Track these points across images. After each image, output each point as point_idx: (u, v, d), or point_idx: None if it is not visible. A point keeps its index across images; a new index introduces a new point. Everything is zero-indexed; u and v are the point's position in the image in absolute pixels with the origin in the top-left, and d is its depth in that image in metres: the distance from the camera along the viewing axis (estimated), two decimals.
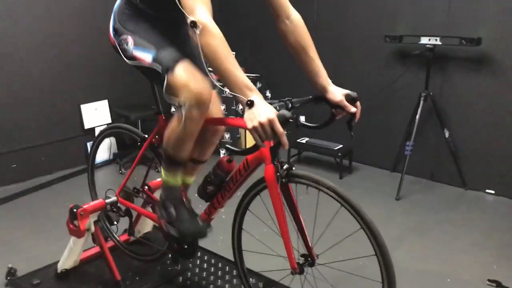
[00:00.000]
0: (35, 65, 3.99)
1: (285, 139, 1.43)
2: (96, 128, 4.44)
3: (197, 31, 1.45)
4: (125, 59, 1.85)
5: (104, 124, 4.49)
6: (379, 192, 3.80)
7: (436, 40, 3.60)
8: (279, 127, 1.41)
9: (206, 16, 1.47)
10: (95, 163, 4.33)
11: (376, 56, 4.15)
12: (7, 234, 3.12)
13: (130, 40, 1.82)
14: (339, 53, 4.18)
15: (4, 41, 3.78)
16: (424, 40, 3.66)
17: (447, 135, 3.77)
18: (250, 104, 1.43)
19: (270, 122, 1.40)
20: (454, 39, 3.52)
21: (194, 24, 1.45)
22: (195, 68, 1.72)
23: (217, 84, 1.63)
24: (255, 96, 1.44)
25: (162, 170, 1.98)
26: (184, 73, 1.69)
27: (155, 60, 1.74)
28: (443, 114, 3.79)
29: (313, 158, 4.46)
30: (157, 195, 2.32)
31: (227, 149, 1.60)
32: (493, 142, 3.66)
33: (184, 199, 2.01)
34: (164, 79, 1.71)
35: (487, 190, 3.76)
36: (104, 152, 4.40)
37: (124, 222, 2.40)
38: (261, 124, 1.41)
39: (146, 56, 1.76)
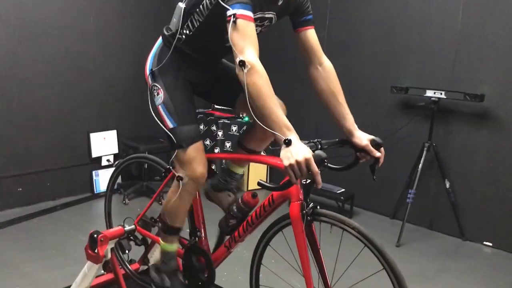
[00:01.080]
0: (50, 92, 4.08)
1: (319, 178, 1.51)
2: (102, 157, 4.48)
3: (245, 70, 1.54)
4: (150, 105, 1.98)
5: (111, 154, 4.54)
6: (380, 238, 3.83)
7: (441, 93, 3.76)
8: (314, 167, 1.48)
9: (254, 56, 1.57)
10: (99, 192, 4.39)
11: (381, 106, 4.30)
12: (12, 257, 3.11)
13: (161, 94, 1.96)
14: (345, 100, 4.31)
15: (23, 67, 3.87)
16: (429, 93, 3.82)
17: (447, 185, 3.87)
18: (288, 143, 1.51)
19: (307, 162, 1.48)
20: (458, 94, 3.68)
21: (242, 63, 1.55)
22: (203, 151, 1.94)
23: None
24: (293, 136, 1.52)
25: (160, 238, 2.18)
26: (192, 154, 1.90)
27: (173, 131, 1.93)
28: (444, 164, 3.91)
29: (312, 199, 4.49)
30: None
31: (260, 184, 1.66)
32: (492, 195, 3.77)
33: (178, 270, 2.19)
34: (175, 151, 1.92)
35: (484, 242, 3.83)
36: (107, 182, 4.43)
37: (133, 252, 2.44)
38: (297, 163, 1.48)
39: (168, 122, 1.95)
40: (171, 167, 2.04)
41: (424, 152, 3.83)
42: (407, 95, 4.03)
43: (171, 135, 1.93)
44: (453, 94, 3.73)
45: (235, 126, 4.63)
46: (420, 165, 3.81)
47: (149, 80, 2.00)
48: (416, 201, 3.85)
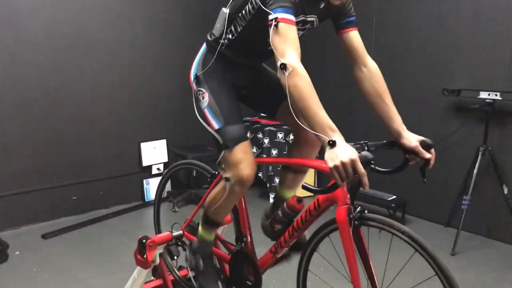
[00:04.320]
0: (101, 104, 4.23)
1: (366, 180, 1.46)
2: (153, 166, 4.58)
3: (286, 73, 1.53)
4: (195, 109, 2.00)
5: (161, 163, 4.64)
6: (434, 246, 3.69)
7: (496, 95, 3.60)
8: (361, 168, 1.44)
9: (296, 59, 1.56)
10: (149, 200, 4.48)
11: (433, 109, 4.16)
12: (66, 263, 3.22)
13: (206, 97, 1.97)
14: (394, 103, 4.21)
15: (76, 80, 4.03)
16: (483, 95, 3.66)
17: (505, 191, 3.68)
18: (332, 144, 1.47)
19: (352, 163, 1.44)
20: None
21: (284, 66, 1.54)
22: (250, 151, 1.91)
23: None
24: (337, 136, 1.49)
25: (199, 226, 2.19)
26: (239, 155, 1.87)
27: (219, 132, 1.92)
28: (502, 169, 3.73)
29: (363, 207, 4.40)
30: (219, 231, 2.38)
31: (305, 187, 1.63)
32: None
33: (213, 256, 2.22)
34: (222, 152, 1.91)
35: None
36: None
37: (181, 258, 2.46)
38: (343, 164, 1.44)
39: (213, 123, 1.94)
40: (218, 168, 2.01)
41: (479, 157, 3.66)
42: (459, 98, 3.88)
43: (217, 136, 1.92)
44: (510, 95, 3.56)
45: (281, 134, 4.61)
46: (475, 170, 3.65)
47: (194, 86, 2.02)
48: (472, 208, 3.69)
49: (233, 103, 1.99)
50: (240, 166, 1.86)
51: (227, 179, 1.92)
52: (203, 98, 1.97)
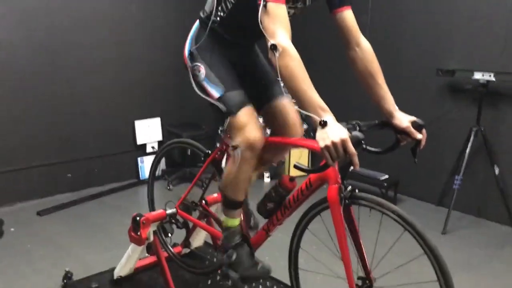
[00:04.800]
0: (95, 81, 4.21)
1: (356, 160, 1.48)
2: (147, 145, 4.59)
3: (277, 54, 1.53)
4: (194, 84, 1.97)
5: (155, 141, 4.64)
6: (425, 225, 3.74)
7: (490, 75, 3.60)
8: (351, 148, 1.46)
9: (286, 39, 1.55)
10: (144, 178, 4.50)
11: (426, 89, 4.17)
12: (62, 239, 3.26)
13: (202, 70, 1.94)
14: (388, 84, 4.22)
15: (68, 57, 4.01)
16: (477, 75, 3.66)
17: (497, 172, 3.72)
18: (323, 124, 1.48)
19: (343, 142, 1.45)
20: (510, 76, 3.52)
21: (274, 47, 1.53)
22: (255, 115, 1.87)
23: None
24: (328, 116, 1.50)
25: (222, 214, 2.10)
26: (244, 119, 1.84)
27: (221, 99, 1.88)
28: (493, 150, 3.75)
29: (355, 186, 4.44)
30: (213, 209, 2.41)
31: (297, 167, 1.65)
32: None
33: (244, 240, 2.08)
34: (226, 119, 1.86)
35: None
36: None
37: (175, 236, 2.49)
38: (333, 144, 1.45)
39: (214, 92, 1.90)
40: (225, 139, 1.95)
41: (472, 137, 3.69)
42: (453, 78, 3.88)
43: (219, 104, 1.88)
44: (504, 76, 3.56)
45: None
46: (468, 151, 3.68)
47: (189, 63, 2.00)
48: (463, 188, 3.73)
49: (231, 71, 1.96)
50: (246, 129, 1.82)
51: (235, 148, 1.87)
52: (199, 71, 1.94)
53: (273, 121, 2.10)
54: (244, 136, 1.82)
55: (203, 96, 1.93)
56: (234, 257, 2.03)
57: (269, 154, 2.09)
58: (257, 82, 2.09)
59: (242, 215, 2.14)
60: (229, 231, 2.07)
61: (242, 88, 1.93)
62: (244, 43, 2.05)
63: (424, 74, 4.15)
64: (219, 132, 4.63)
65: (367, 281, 1.81)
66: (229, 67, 1.97)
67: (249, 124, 1.83)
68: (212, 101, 1.90)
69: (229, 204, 2.05)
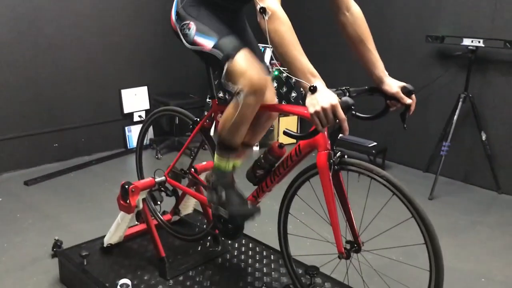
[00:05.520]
0: (79, 49, 4.12)
1: (346, 125, 1.47)
2: (134, 113, 4.55)
3: (266, 17, 1.50)
4: (185, 43, 1.90)
5: (143, 110, 4.60)
6: (412, 191, 3.80)
7: (479, 42, 3.59)
8: (341, 113, 1.45)
9: (275, 2, 1.52)
10: (132, 147, 4.47)
11: (416, 55, 4.16)
12: (50, 209, 3.25)
13: (192, 26, 1.87)
14: (378, 50, 4.19)
15: (51, 23, 3.91)
16: (466, 42, 3.66)
17: (484, 137, 3.75)
18: (313, 89, 1.47)
19: (333, 108, 1.44)
20: (498, 42, 3.51)
21: (263, 10, 1.50)
22: (254, 57, 1.78)
23: (271, 70, 1.68)
24: (318, 82, 1.48)
25: (215, 155, 2.02)
26: (243, 61, 1.74)
27: (216, 46, 1.80)
28: (481, 116, 3.78)
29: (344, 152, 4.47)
30: (202, 177, 2.40)
31: (286, 133, 1.64)
32: None
33: (234, 183, 2.06)
34: (224, 66, 1.76)
35: None
36: None
37: (165, 204, 2.49)
38: (323, 109, 1.45)
39: (207, 43, 1.82)
40: (225, 87, 1.86)
41: (460, 104, 3.71)
42: (443, 44, 3.87)
43: (215, 53, 1.78)
44: (493, 42, 3.56)
45: None
46: (455, 117, 3.70)
47: (177, 25, 1.94)
48: (451, 154, 3.77)
49: (221, 22, 1.88)
50: (248, 72, 1.71)
51: (238, 94, 1.75)
52: (189, 28, 1.87)
53: None
54: (247, 79, 1.70)
55: (198, 49, 1.85)
56: (224, 197, 1.98)
57: (251, 132, 2.05)
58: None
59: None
60: (220, 173, 1.99)
61: (234, 35, 1.85)
62: (233, 6, 1.99)
63: (413, 41, 4.13)
64: (207, 100, 4.60)
65: (355, 245, 1.83)
66: (218, 19, 1.90)
67: (250, 66, 1.73)
68: (207, 51, 1.81)
69: (224, 147, 1.95)
